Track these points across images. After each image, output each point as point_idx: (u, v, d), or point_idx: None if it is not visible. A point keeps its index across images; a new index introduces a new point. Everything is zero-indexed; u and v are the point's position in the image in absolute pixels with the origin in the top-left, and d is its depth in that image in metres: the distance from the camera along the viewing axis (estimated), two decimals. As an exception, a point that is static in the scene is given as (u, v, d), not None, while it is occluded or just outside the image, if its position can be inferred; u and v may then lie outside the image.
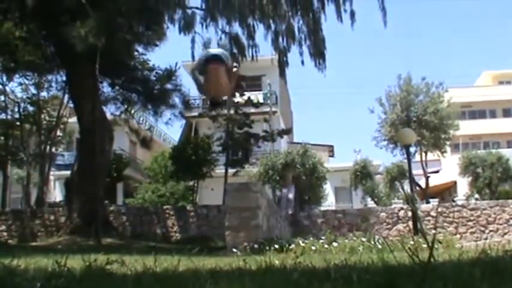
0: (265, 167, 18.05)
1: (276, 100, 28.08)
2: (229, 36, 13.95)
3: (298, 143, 21.53)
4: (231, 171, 20.01)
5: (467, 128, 31.05)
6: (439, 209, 14.77)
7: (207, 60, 5.38)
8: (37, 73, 18.39)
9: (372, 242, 7.77)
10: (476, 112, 38.94)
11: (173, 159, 20.34)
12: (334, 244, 7.68)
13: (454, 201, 21.06)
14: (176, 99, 16.02)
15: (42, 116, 21.13)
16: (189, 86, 17.98)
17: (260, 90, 27.35)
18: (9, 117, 20.66)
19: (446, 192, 30.62)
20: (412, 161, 16.85)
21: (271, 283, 2.25)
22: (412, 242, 6.96)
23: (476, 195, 19.97)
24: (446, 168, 28.79)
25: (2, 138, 20.76)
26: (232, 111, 20.40)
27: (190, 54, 14.08)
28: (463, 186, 22.94)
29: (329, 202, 21.78)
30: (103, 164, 13.73)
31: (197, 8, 13.60)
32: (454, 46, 72.47)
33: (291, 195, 14.07)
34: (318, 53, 13.54)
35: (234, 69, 5.54)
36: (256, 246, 7.04)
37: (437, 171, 30.46)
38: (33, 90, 20.43)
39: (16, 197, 25.57)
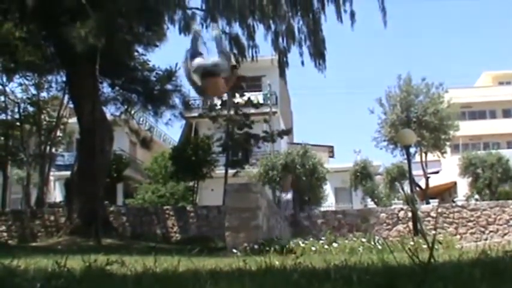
0: (265, 167, 18.04)
1: (276, 100, 28.07)
2: (229, 37, 13.94)
3: (298, 144, 21.50)
4: (231, 171, 20.00)
5: (467, 128, 31.05)
6: (439, 210, 14.74)
7: (204, 74, 5.34)
8: (37, 73, 18.38)
9: (372, 243, 7.76)
10: (476, 113, 38.97)
11: (173, 160, 20.33)
12: (334, 245, 7.67)
13: (454, 201, 21.06)
14: (176, 100, 16.03)
15: (42, 117, 21.11)
16: (189, 86, 17.81)
17: (260, 90, 27.34)
18: (9, 117, 20.64)
19: (446, 192, 30.63)
20: (412, 162, 16.83)
21: (271, 284, 2.25)
22: (412, 243, 6.95)
23: (476, 196, 19.96)
24: (446, 168, 28.80)
25: (2, 138, 20.74)
26: (232, 112, 20.40)
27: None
28: (463, 186, 22.94)
29: (329, 203, 21.77)
30: (103, 165, 13.72)
31: (197, 8, 13.60)
32: (454, 46, 72.62)
33: (290, 196, 14.05)
34: (318, 54, 13.51)
35: (234, 69, 5.54)
36: (256, 246, 7.04)
37: (437, 172, 30.47)
38: (33, 90, 20.43)
39: (16, 197, 25.56)
